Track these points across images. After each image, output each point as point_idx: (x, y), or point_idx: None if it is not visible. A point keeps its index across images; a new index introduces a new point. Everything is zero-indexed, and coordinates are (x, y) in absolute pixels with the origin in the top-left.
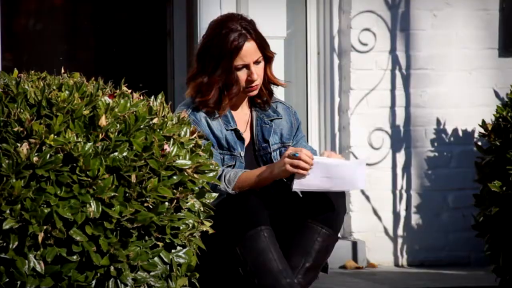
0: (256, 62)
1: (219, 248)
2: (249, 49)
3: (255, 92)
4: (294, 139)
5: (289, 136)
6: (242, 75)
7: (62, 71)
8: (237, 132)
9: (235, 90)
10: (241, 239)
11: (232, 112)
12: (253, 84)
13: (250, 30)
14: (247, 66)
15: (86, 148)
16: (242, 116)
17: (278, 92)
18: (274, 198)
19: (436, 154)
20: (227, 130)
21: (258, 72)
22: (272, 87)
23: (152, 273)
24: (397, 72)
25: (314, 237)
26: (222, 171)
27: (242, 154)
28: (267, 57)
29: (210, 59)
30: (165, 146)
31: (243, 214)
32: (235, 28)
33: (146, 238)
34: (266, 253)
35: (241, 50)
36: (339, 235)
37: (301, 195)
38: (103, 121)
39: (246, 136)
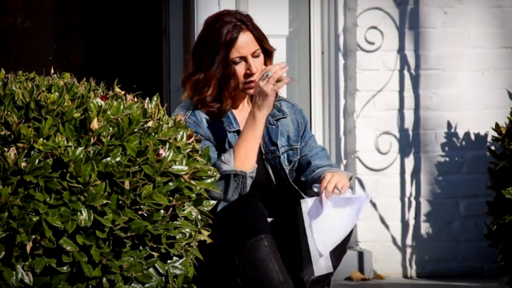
0: (255, 56)
1: (218, 258)
2: (245, 41)
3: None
4: (302, 140)
5: (296, 137)
6: (240, 69)
7: (52, 71)
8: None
9: (232, 84)
10: (240, 249)
11: (234, 112)
12: (252, 78)
13: (246, 21)
14: (244, 59)
15: (77, 153)
16: (245, 116)
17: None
18: (279, 205)
19: (447, 159)
20: (229, 132)
21: (257, 65)
22: None
23: (146, 285)
24: (406, 73)
25: None
26: (215, 161)
27: None
28: (267, 51)
29: (205, 54)
30: (161, 151)
31: (242, 222)
32: (229, 21)
33: (141, 248)
34: (266, 263)
35: (236, 41)
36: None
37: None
38: (95, 124)
39: None
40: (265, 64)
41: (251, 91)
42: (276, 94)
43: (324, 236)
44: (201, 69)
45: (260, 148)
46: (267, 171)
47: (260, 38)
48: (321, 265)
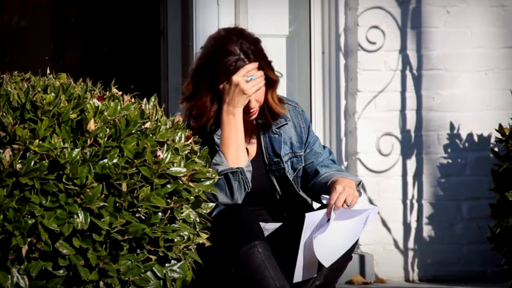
0: None
1: (216, 262)
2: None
3: (254, 116)
4: (307, 146)
5: (299, 144)
6: None
7: (48, 71)
8: None
9: None
10: (234, 257)
11: None
12: (250, 111)
13: (250, 54)
14: None
15: (74, 155)
16: (244, 125)
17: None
18: (283, 208)
19: (450, 160)
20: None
21: (257, 97)
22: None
23: None
24: (408, 73)
25: None
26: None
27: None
28: (270, 80)
29: (204, 81)
30: (158, 152)
31: (234, 229)
32: (234, 52)
33: (138, 251)
34: (261, 270)
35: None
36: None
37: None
38: (91, 126)
39: (251, 148)
40: (267, 92)
41: (250, 118)
42: (277, 119)
43: (328, 248)
44: (197, 95)
45: (263, 158)
46: (271, 181)
47: (264, 67)
48: (304, 274)
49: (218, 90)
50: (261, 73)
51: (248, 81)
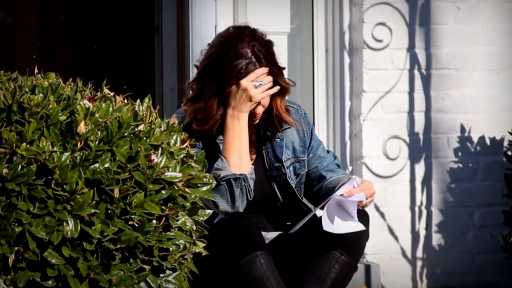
0: None
1: (214, 273)
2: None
3: (257, 121)
4: (310, 151)
5: (302, 148)
6: None
7: (36, 71)
8: None
9: None
10: (234, 267)
11: None
12: (255, 116)
13: (262, 58)
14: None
15: (63, 159)
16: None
17: None
18: (284, 216)
19: (460, 165)
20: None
21: (263, 103)
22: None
23: None
24: (416, 72)
25: (331, 264)
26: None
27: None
28: (280, 87)
29: (210, 82)
30: (153, 157)
31: (235, 238)
32: (245, 54)
33: (131, 260)
34: (263, 282)
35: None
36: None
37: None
38: (82, 128)
39: (250, 152)
40: (275, 99)
41: (256, 122)
42: (282, 127)
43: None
44: (203, 97)
45: (263, 164)
46: (272, 188)
47: (275, 72)
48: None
49: (225, 93)
50: (270, 78)
51: (257, 86)
